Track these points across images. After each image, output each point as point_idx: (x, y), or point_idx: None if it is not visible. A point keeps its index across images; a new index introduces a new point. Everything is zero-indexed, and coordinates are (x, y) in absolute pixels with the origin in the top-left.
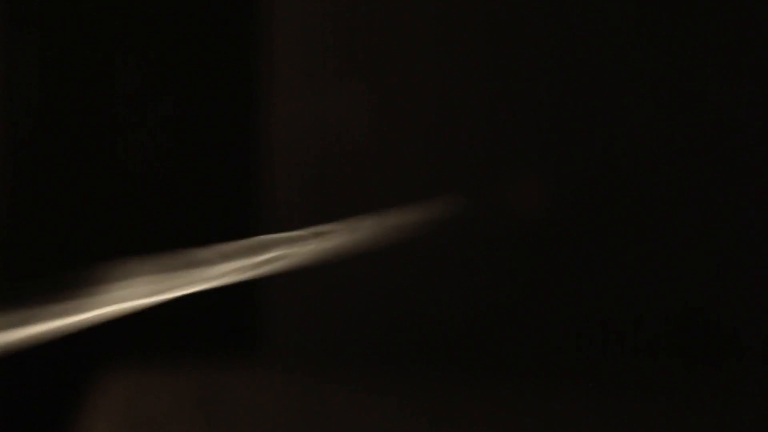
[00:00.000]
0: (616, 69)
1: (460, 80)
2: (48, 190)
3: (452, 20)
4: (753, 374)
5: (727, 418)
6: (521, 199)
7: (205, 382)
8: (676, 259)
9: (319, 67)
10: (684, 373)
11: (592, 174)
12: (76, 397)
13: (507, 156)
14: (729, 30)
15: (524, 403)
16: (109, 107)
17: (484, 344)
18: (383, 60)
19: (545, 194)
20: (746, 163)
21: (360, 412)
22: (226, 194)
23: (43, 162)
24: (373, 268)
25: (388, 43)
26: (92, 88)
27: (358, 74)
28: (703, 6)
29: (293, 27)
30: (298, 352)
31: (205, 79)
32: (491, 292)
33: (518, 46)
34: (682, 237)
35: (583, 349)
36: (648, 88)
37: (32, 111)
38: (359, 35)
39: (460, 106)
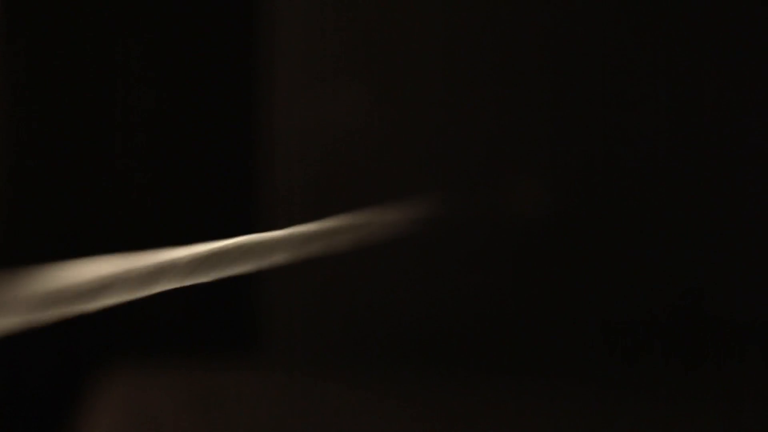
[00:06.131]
0: (616, 69)
1: (460, 81)
2: (50, 188)
3: (452, 20)
4: (753, 374)
5: (727, 418)
6: (521, 198)
7: (205, 381)
8: (676, 259)
9: (320, 68)
10: (684, 373)
11: (592, 174)
12: (76, 396)
13: (507, 155)
14: (729, 30)
15: (524, 403)
16: (110, 107)
17: (484, 344)
18: (383, 60)
19: (545, 194)
20: (746, 164)
21: (360, 412)
22: (226, 193)
23: (45, 161)
24: (372, 268)
25: (388, 44)
26: (93, 87)
27: (358, 74)
28: (703, 6)
29: (294, 28)
30: (298, 352)
31: (206, 79)
32: (491, 292)
33: (518, 47)
34: (682, 237)
35: (583, 349)
36: (648, 89)
37: (33, 111)
38: (360, 36)
39: (459, 106)
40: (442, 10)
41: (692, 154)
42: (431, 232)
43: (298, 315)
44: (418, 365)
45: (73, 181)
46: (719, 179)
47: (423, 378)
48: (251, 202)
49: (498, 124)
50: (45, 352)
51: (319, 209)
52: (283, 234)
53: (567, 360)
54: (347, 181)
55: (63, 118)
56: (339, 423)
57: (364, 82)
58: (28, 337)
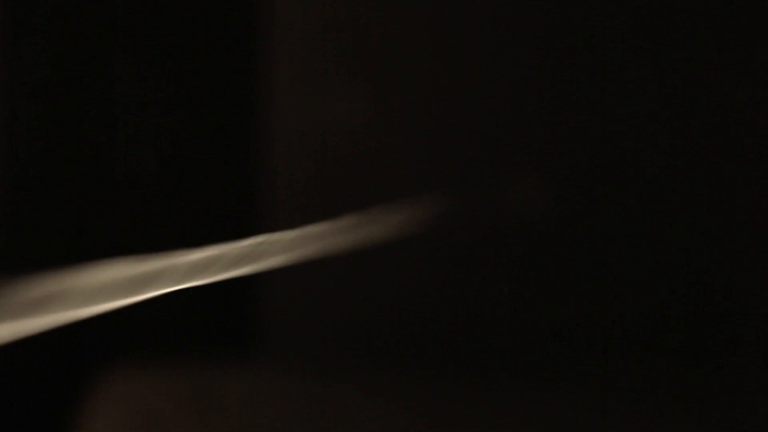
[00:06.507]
0: (616, 69)
1: (460, 80)
2: (48, 190)
3: (452, 20)
4: (753, 374)
5: (727, 418)
6: (521, 198)
7: (205, 382)
8: (676, 259)
9: (319, 67)
10: (684, 373)
11: (592, 174)
12: (76, 397)
13: (507, 155)
14: (729, 30)
15: (524, 403)
16: (110, 107)
17: (484, 344)
18: (383, 60)
19: (546, 194)
20: (747, 163)
21: (360, 412)
22: (226, 194)
23: (43, 163)
24: (372, 268)
25: (387, 43)
26: (93, 85)
27: (357, 74)
28: (703, 6)
29: (293, 27)
30: (298, 352)
31: (205, 79)
32: (491, 292)
33: (518, 46)
34: (682, 236)
35: (583, 349)
36: (648, 88)
37: (33, 111)
38: (359, 35)
39: (459, 106)
40: (442, 9)
41: (693, 153)
42: (431, 232)
43: (297, 315)
44: (418, 365)
45: (73, 184)
46: (720, 179)
47: (422, 379)
48: (251, 202)
49: (498, 124)
50: (45, 352)
51: (319, 209)
52: (283, 234)
53: (566, 360)
54: (347, 181)
55: (62, 119)
56: (338, 423)
57: (364, 81)
58: (28, 337)
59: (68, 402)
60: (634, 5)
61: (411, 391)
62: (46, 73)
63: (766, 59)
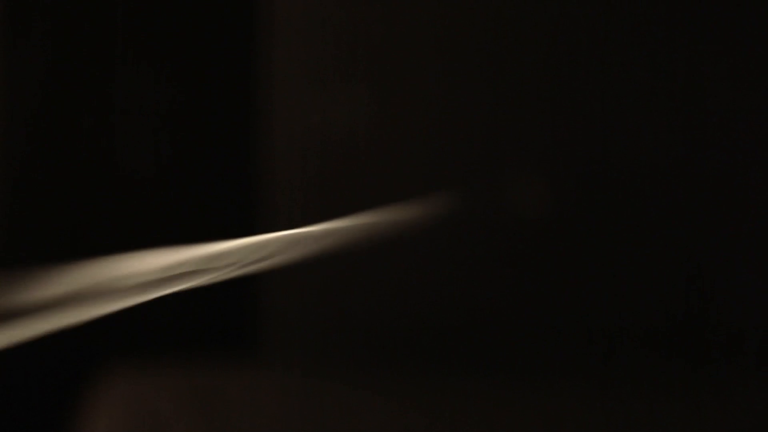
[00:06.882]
0: (615, 69)
1: (460, 81)
2: (48, 190)
3: (452, 20)
4: (753, 374)
5: (727, 418)
6: (521, 198)
7: (205, 381)
8: (676, 259)
9: (319, 68)
10: (684, 373)
11: (592, 174)
12: (76, 397)
13: (507, 156)
14: (729, 30)
15: (524, 403)
16: (109, 107)
17: (483, 344)
18: (383, 60)
19: (545, 194)
20: (746, 164)
21: (360, 411)
22: (226, 194)
23: (43, 163)
24: (372, 268)
25: (388, 44)
26: (93, 85)
27: (358, 74)
28: (703, 6)
29: (293, 28)
30: (298, 352)
31: (206, 79)
32: (490, 292)
33: (518, 47)
34: (682, 236)
35: (582, 348)
36: (648, 89)
37: (33, 113)
38: (359, 36)
39: (459, 106)
40: (442, 10)
41: (694, 155)
42: (430, 232)
43: (297, 315)
44: (417, 365)
45: (73, 183)
46: (720, 179)
47: (422, 378)
48: (251, 202)
49: (498, 125)
50: (45, 352)
51: (318, 210)
52: (282, 234)
53: (566, 360)
54: (347, 182)
55: (61, 119)
56: (338, 423)
57: (364, 82)
58: (28, 337)
59: (68, 402)
60: (634, 5)
61: (411, 390)
62: (46, 72)
63: (766, 59)
